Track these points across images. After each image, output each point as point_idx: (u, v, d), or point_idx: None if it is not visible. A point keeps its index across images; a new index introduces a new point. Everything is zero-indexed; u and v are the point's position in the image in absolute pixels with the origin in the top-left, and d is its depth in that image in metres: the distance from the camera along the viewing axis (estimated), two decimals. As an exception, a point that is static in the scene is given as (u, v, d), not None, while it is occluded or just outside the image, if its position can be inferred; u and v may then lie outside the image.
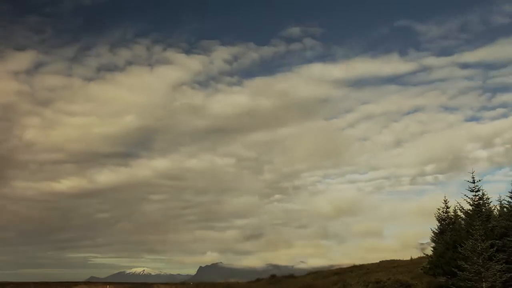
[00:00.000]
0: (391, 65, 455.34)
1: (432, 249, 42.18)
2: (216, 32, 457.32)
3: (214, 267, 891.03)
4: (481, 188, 37.63)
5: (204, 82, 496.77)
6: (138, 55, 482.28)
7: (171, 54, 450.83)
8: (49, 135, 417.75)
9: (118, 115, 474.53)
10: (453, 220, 41.98)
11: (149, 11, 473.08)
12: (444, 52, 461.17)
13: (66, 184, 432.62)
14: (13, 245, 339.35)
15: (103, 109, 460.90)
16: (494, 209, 38.27)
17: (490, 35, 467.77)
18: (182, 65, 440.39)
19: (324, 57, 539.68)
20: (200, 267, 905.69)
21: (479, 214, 36.84)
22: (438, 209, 43.02)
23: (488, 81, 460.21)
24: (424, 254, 44.44)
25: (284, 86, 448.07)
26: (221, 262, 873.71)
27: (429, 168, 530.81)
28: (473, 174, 37.37)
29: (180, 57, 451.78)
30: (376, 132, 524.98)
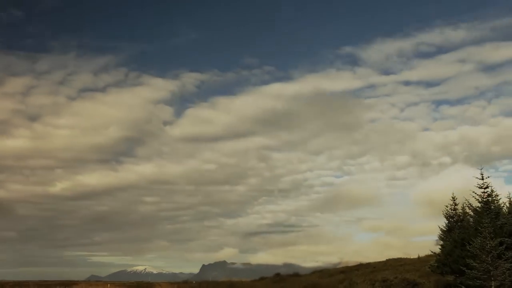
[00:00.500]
0: (342, 81, 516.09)
1: (440, 247, 42.40)
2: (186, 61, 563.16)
3: (217, 265, 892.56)
4: (489, 185, 37.81)
5: (176, 100, 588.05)
6: (118, 79, 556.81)
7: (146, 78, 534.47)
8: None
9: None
10: (461, 217, 42.17)
11: (125, 45, 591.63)
12: (386, 71, 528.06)
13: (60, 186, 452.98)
14: (12, 243, 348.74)
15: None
16: (503, 206, 38.40)
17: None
18: (157, 87, 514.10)
19: (281, 78, 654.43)
20: (203, 265, 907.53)
21: (488, 212, 36.94)
22: (446, 206, 43.20)
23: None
24: (432, 252, 44.70)
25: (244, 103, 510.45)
26: (224, 261, 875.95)
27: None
28: (482, 170, 37.57)
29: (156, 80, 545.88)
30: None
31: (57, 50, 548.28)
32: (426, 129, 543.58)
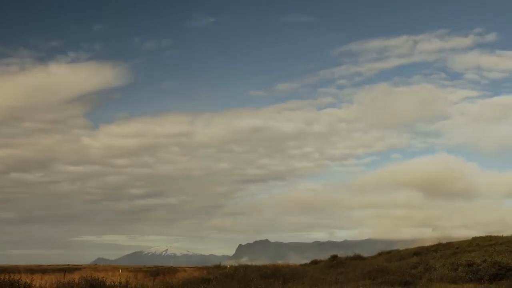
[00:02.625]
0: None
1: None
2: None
3: (258, 245, 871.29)
4: None
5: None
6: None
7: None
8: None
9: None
10: None
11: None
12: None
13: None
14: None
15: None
16: None
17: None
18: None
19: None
20: (240, 245, 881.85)
21: None
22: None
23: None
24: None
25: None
26: (267, 239, 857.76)
27: None
28: None
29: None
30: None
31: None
32: None
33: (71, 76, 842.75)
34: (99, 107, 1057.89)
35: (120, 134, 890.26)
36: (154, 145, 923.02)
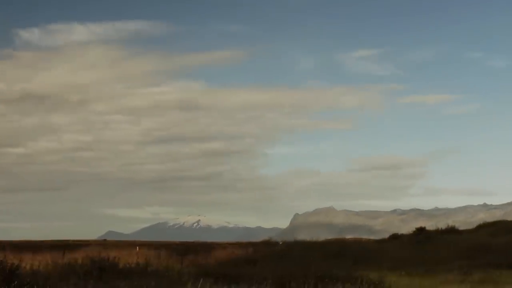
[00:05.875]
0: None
1: None
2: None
3: (319, 214, 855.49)
4: None
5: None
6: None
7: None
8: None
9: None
10: None
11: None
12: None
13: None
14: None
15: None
16: None
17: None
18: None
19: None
20: (297, 215, 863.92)
21: None
22: None
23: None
24: None
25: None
26: (332, 207, 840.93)
27: None
28: None
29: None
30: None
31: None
32: None
33: None
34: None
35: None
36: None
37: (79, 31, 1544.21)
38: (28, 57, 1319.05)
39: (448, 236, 66.11)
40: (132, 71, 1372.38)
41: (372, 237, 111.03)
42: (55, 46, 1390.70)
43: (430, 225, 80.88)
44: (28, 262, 35.34)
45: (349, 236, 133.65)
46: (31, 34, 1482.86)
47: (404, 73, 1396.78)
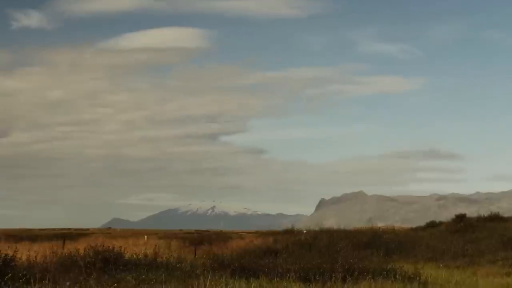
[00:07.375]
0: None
1: None
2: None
3: (348, 199, 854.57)
4: None
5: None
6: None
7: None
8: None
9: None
10: None
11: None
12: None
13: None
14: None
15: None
16: None
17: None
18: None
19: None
20: (323, 200, 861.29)
21: None
22: None
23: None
24: None
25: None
26: (362, 191, 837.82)
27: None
28: None
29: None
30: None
31: None
32: None
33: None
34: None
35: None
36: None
37: None
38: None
39: (492, 224, 66.27)
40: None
41: (407, 225, 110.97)
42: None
43: (471, 211, 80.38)
44: (25, 253, 35.59)
45: (380, 224, 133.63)
46: None
47: None
